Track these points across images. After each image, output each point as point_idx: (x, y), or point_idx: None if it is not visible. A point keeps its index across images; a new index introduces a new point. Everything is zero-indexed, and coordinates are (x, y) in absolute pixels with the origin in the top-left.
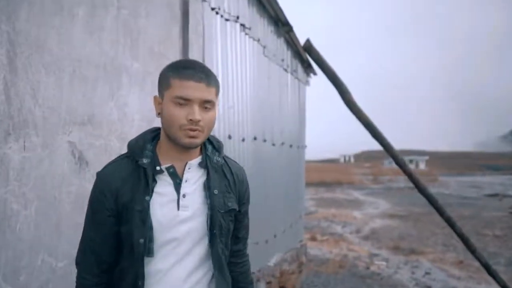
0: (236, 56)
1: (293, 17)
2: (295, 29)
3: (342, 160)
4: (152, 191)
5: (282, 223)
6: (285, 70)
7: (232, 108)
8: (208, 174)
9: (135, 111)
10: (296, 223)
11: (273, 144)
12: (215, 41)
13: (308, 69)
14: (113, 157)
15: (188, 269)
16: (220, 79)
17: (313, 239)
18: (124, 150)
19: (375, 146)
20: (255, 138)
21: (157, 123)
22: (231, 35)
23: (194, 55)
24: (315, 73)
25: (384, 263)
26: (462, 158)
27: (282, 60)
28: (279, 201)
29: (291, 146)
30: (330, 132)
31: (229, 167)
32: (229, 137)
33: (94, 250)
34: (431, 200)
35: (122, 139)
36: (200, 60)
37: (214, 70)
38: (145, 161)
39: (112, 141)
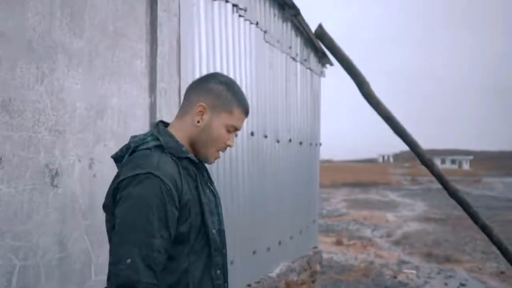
0: (226, 40)
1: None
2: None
3: (380, 160)
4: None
5: (289, 229)
6: (293, 58)
7: None
8: (204, 168)
9: (77, 98)
10: (308, 228)
11: (278, 141)
12: (197, 22)
13: (323, 58)
14: (43, 153)
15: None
16: (204, 65)
17: (338, 243)
18: (60, 143)
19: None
20: (252, 134)
21: (111, 113)
22: (221, 16)
23: (164, 37)
24: (331, 64)
25: (414, 271)
26: (510, 158)
27: (290, 47)
28: (284, 205)
29: (301, 143)
30: (368, 131)
31: None
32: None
33: (155, 261)
34: (463, 205)
35: (57, 131)
36: (174, 43)
37: (195, 55)
38: (193, 156)
39: (41, 133)
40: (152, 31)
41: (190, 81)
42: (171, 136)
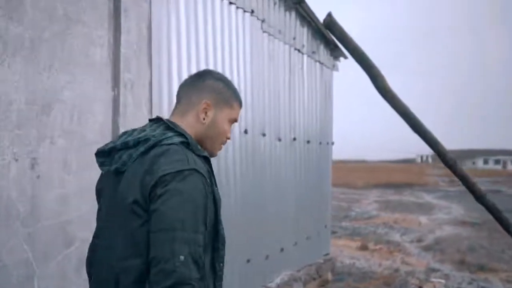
0: (214, 29)
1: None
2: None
3: (419, 160)
4: None
5: (293, 235)
6: (299, 50)
7: None
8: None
9: (13, 91)
10: (319, 234)
11: (279, 139)
12: (174, 8)
13: (335, 51)
14: None
15: None
16: (184, 57)
17: (363, 248)
18: None
19: (459, 144)
20: (245, 132)
21: (61, 107)
22: (206, 3)
23: (131, 24)
24: (345, 57)
25: (442, 281)
26: None
27: (294, 38)
28: (287, 209)
29: (308, 142)
30: (404, 129)
31: None
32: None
33: (200, 256)
34: (492, 211)
35: None
36: (144, 31)
37: (172, 46)
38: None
39: None
40: (115, 17)
41: (164, 73)
42: (189, 134)
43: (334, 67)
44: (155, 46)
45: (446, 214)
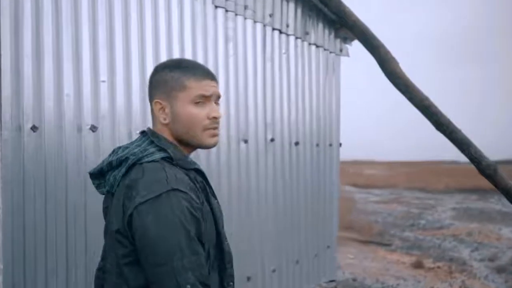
0: (126, 5)
1: None
2: None
3: None
4: None
5: (272, 260)
6: (280, 31)
7: (105, 82)
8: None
9: None
10: (317, 257)
11: (245, 141)
12: None
13: (341, 32)
14: None
15: None
16: (66, 36)
17: (418, 265)
18: None
19: None
20: None
21: None
22: None
23: None
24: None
25: None
26: None
27: (270, 15)
28: (259, 228)
29: (296, 143)
30: (503, 126)
31: None
32: (93, 128)
33: (207, 277)
34: None
35: None
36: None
37: (44, 21)
38: (199, 166)
39: None
40: None
41: (28, 59)
42: (175, 146)
43: (341, 52)
44: (5, 21)
45: None
